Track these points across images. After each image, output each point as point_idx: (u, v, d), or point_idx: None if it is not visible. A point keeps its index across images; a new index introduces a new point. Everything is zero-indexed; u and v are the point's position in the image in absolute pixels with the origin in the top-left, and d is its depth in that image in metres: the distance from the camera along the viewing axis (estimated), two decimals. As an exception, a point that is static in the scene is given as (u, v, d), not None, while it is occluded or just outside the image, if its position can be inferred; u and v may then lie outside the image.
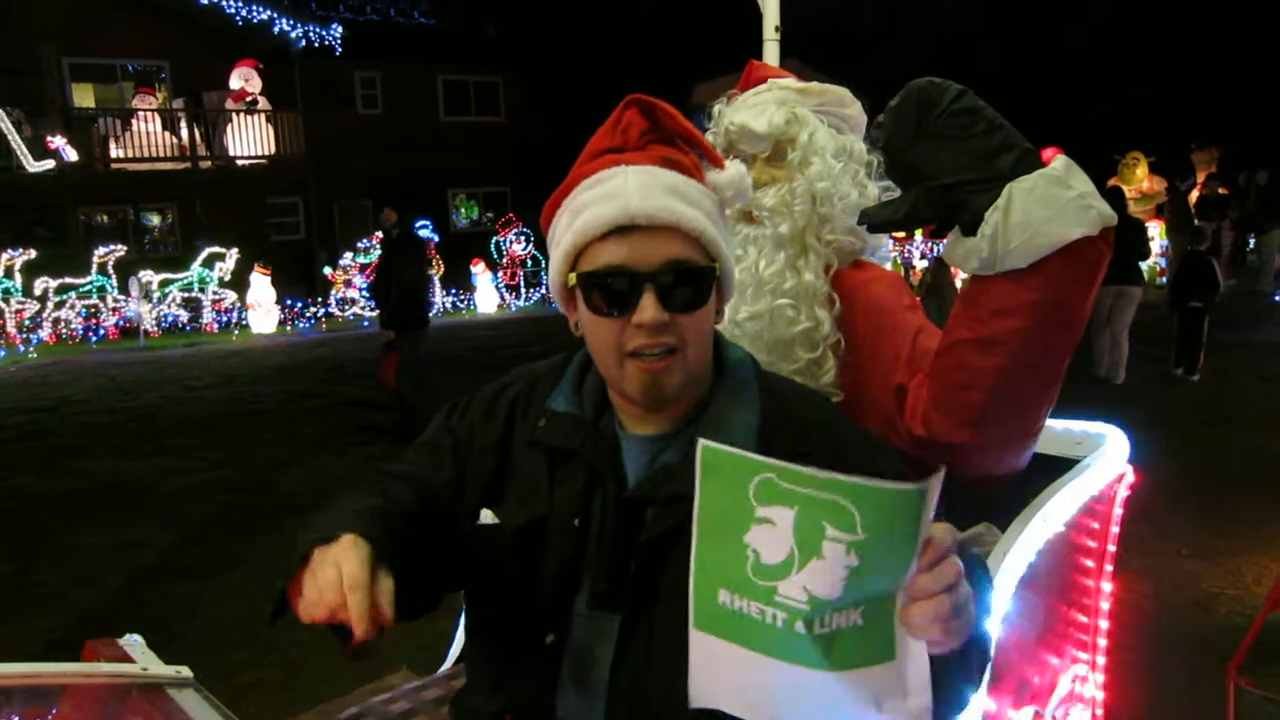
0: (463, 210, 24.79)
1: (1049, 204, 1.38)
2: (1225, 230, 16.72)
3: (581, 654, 1.28)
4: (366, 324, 16.59)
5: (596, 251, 1.24)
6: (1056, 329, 1.48)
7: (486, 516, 1.35)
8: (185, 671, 1.54)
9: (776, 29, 2.93)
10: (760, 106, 1.90)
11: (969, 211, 1.44)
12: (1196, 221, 15.82)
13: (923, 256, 17.54)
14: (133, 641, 1.62)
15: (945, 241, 1.54)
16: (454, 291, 18.39)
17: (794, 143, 1.86)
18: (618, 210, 1.22)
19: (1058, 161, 1.41)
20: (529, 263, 19.01)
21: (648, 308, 1.20)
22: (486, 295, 18.24)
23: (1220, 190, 17.12)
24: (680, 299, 1.23)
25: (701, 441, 0.98)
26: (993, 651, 1.19)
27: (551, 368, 1.44)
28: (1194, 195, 17.27)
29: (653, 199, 1.23)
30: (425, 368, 7.99)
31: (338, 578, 1.05)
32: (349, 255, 17.50)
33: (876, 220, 1.58)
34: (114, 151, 18.02)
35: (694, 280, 1.24)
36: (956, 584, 0.95)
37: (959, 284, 11.59)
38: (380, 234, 8.02)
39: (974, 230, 1.44)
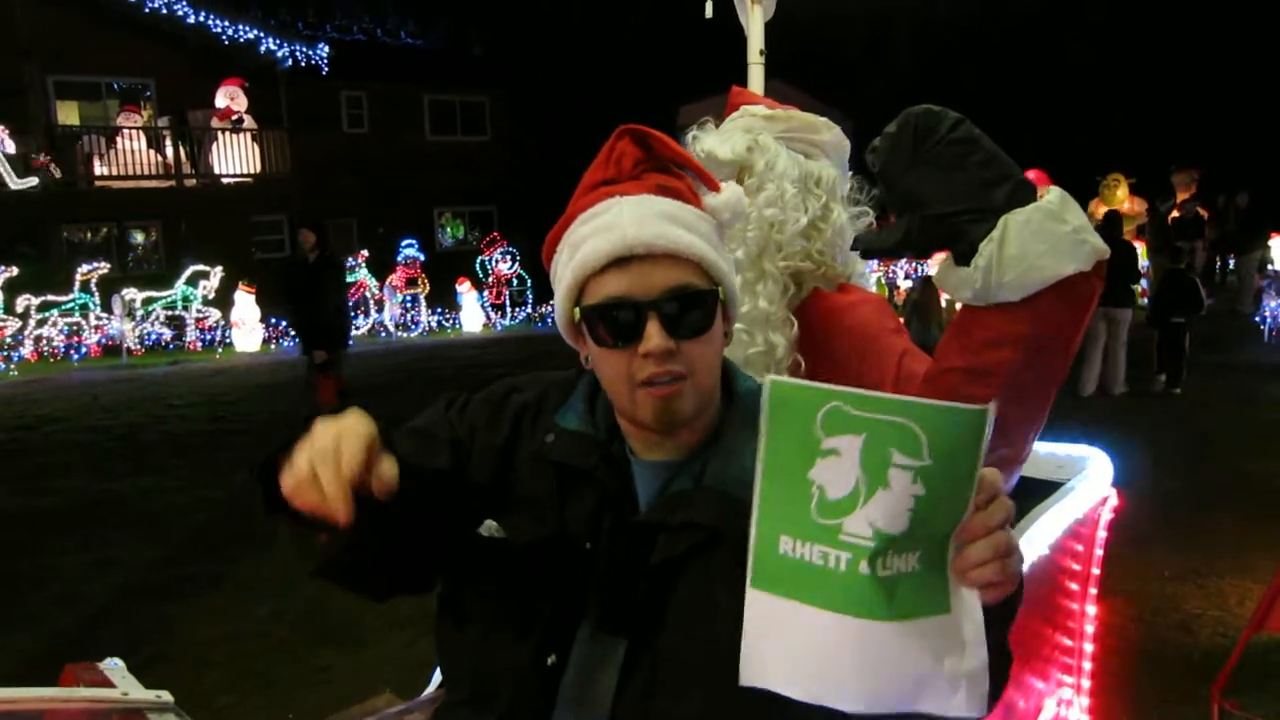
0: (448, 229, 24.80)
1: (1043, 238, 1.38)
2: (1199, 251, 16.86)
3: (583, 677, 1.27)
4: (351, 343, 16.53)
5: (598, 284, 1.24)
6: (1047, 360, 1.49)
7: (490, 528, 1.33)
8: (166, 696, 1.52)
9: (761, 53, 2.96)
10: (728, 133, 1.94)
11: (963, 242, 1.45)
12: (1176, 242, 15.96)
13: (907, 277, 17.60)
14: (113, 665, 1.61)
15: (936, 266, 1.53)
16: (439, 311, 18.35)
17: (751, 169, 1.89)
18: (614, 241, 1.22)
19: (1052, 195, 1.42)
20: (514, 282, 19.01)
21: (653, 336, 1.20)
22: (472, 314, 18.21)
23: (1200, 211, 17.28)
24: (685, 325, 1.22)
25: (770, 377, 0.98)
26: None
27: (562, 381, 1.43)
28: (1173, 216, 17.43)
29: (649, 227, 1.22)
30: (348, 389, 8.30)
31: (334, 435, 1.04)
32: (334, 274, 17.46)
33: (870, 247, 1.59)
34: (98, 169, 17.96)
35: (697, 305, 1.24)
36: (1008, 522, 0.96)
37: (944, 303, 11.74)
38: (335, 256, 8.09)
39: (967, 260, 1.45)
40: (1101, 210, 14.92)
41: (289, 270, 8.39)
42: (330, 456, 1.03)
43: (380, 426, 1.09)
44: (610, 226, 1.24)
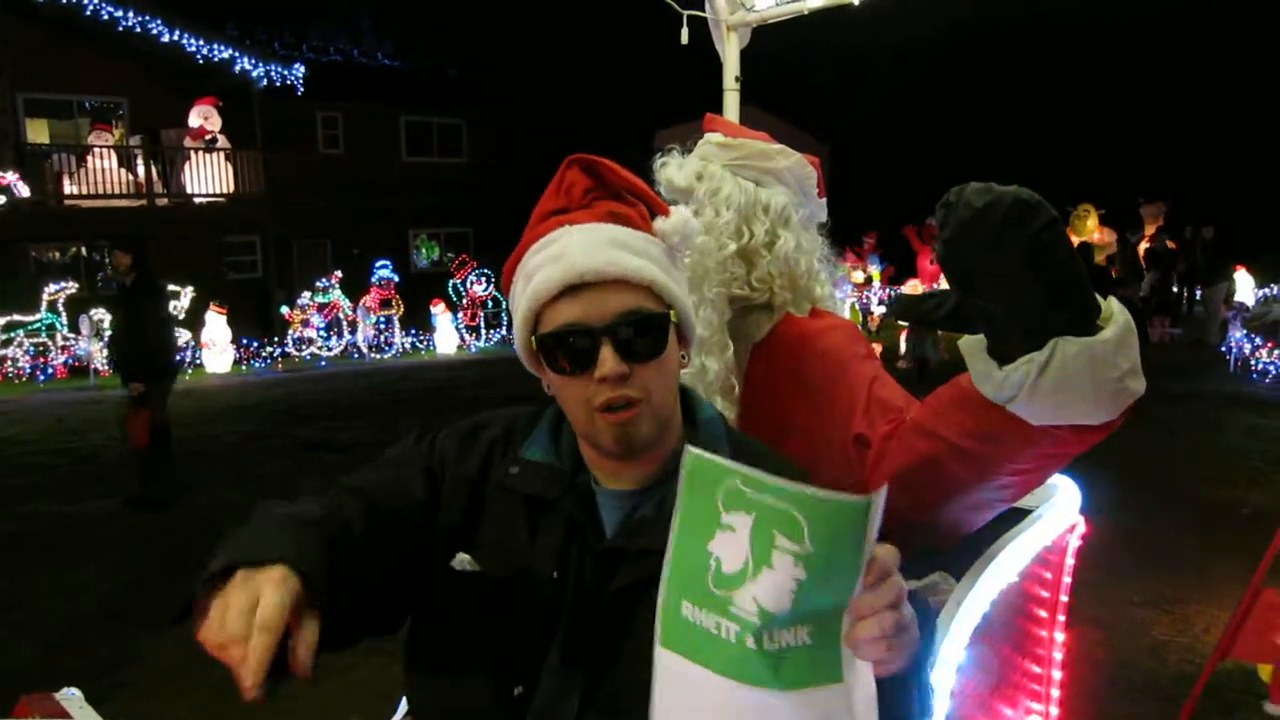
0: (423, 250, 24.75)
1: (1089, 378, 1.27)
2: (1171, 282, 17.15)
3: (548, 707, 1.27)
4: (324, 364, 16.43)
5: (552, 313, 1.26)
6: (1038, 472, 1.48)
7: (463, 562, 1.33)
8: (124, 726, 1.49)
9: (737, 79, 2.99)
10: (687, 161, 1.98)
11: (1006, 346, 1.33)
12: (1146, 273, 16.22)
13: (880, 303, 17.75)
14: (70, 695, 1.57)
15: (966, 340, 1.39)
16: (413, 332, 18.29)
17: (693, 196, 1.94)
18: (565, 270, 1.24)
19: (1112, 331, 1.27)
20: (489, 304, 18.97)
21: (606, 360, 1.22)
22: (446, 336, 18.15)
23: (1168, 244, 17.56)
24: (638, 349, 1.24)
25: (688, 448, 1.00)
26: (934, 694, 1.19)
27: (527, 414, 1.44)
28: (1142, 247, 17.71)
29: (598, 254, 1.25)
30: (168, 424, 7.51)
31: (250, 609, 0.98)
32: (307, 295, 17.36)
33: (909, 315, 1.54)
34: (68, 188, 17.78)
35: (649, 328, 1.26)
36: (898, 603, 0.97)
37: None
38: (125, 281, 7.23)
39: (1000, 355, 1.34)
40: (1072, 240, 15.15)
41: (111, 296, 7.49)
42: (239, 638, 0.98)
43: (307, 569, 1.04)
44: (560, 255, 1.26)
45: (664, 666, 1.05)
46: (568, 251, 1.25)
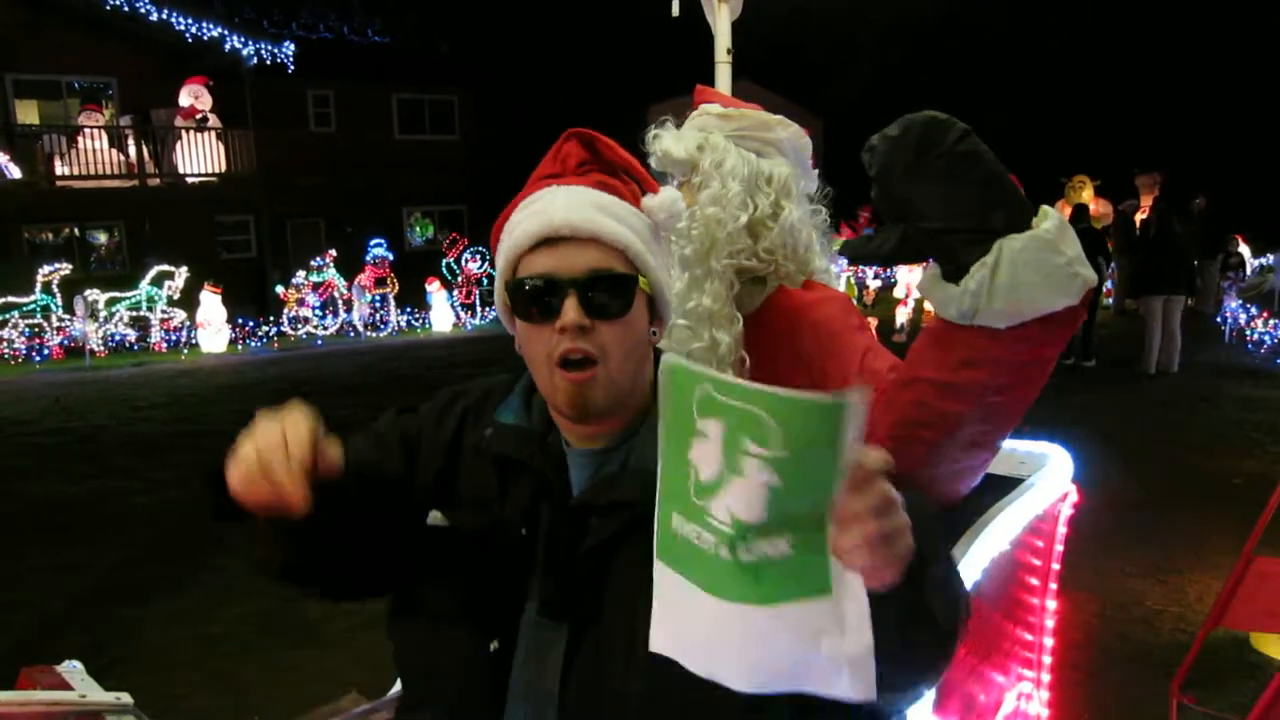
0: (418, 229, 24.66)
1: (1038, 269, 1.34)
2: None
3: (530, 663, 1.29)
4: (320, 343, 16.42)
5: (527, 263, 1.30)
6: (1022, 385, 1.48)
7: (435, 518, 1.37)
8: (125, 698, 1.50)
9: (728, 51, 2.97)
10: (683, 132, 1.98)
11: (954, 261, 1.40)
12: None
13: (876, 276, 17.72)
14: (71, 668, 1.59)
15: (922, 275, 1.48)
16: (409, 310, 18.25)
17: (698, 167, 1.93)
18: (543, 223, 1.28)
19: (1050, 223, 1.35)
20: (485, 281, 18.91)
21: (569, 311, 1.25)
22: (442, 314, 18.12)
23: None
24: (602, 305, 1.27)
25: (665, 356, 1.00)
26: (962, 604, 1.14)
27: (503, 382, 1.48)
28: (1139, 218, 17.65)
29: (577, 212, 1.29)
30: None
31: (280, 434, 1.09)
32: (301, 274, 17.31)
33: (858, 254, 1.57)
34: (59, 169, 17.68)
35: (616, 288, 1.28)
36: (887, 509, 0.91)
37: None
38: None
39: (955, 277, 1.40)
40: (1067, 211, 15.11)
41: None
42: (279, 444, 1.08)
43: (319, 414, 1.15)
44: (541, 210, 1.30)
45: (660, 579, 1.03)
46: (549, 207, 1.30)
